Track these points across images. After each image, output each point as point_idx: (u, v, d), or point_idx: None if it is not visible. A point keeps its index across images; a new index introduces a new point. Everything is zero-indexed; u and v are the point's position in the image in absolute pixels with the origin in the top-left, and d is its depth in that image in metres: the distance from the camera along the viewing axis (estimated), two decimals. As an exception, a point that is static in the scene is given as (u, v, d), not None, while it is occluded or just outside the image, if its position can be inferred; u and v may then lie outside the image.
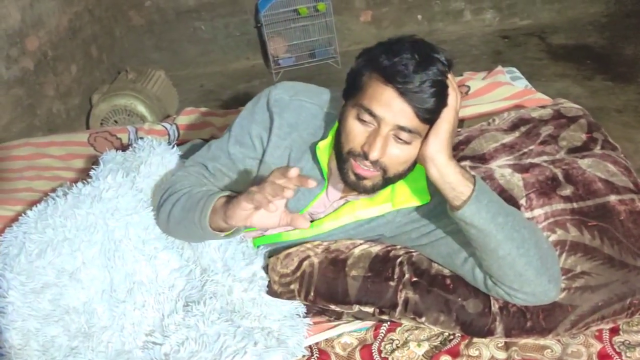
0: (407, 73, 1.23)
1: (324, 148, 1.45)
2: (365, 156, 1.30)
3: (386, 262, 1.51)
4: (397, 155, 1.31)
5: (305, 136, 1.51)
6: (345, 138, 1.34)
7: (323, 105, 1.53)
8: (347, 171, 1.36)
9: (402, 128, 1.27)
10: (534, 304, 1.39)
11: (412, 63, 1.24)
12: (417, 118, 1.26)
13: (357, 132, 1.32)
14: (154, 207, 1.57)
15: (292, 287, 1.51)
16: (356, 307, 1.49)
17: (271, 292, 1.52)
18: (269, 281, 1.53)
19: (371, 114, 1.28)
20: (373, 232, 1.57)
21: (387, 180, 1.37)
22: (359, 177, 1.35)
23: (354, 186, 1.38)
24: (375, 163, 1.31)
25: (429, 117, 1.27)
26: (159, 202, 1.54)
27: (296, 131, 1.51)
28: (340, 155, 1.37)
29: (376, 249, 1.55)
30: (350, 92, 1.36)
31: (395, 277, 1.48)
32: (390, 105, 1.26)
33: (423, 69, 1.24)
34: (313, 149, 1.48)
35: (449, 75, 1.30)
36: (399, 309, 1.46)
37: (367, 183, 1.36)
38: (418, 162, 1.36)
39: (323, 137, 1.48)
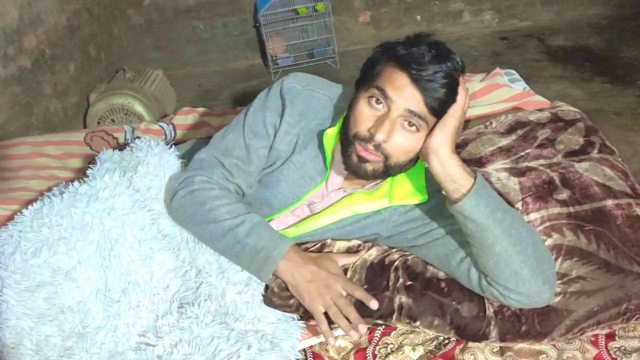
0: (422, 61, 1.29)
1: (331, 135, 1.48)
2: (371, 138, 1.33)
3: (382, 271, 1.51)
4: (401, 143, 1.34)
5: (312, 125, 1.54)
6: (354, 121, 1.38)
7: (333, 98, 1.57)
8: (350, 154, 1.38)
9: (412, 112, 1.31)
10: (527, 306, 1.38)
11: (429, 55, 1.30)
12: (426, 107, 1.31)
13: (366, 115, 1.36)
14: (168, 195, 1.59)
15: (291, 302, 1.49)
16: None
17: (268, 302, 1.51)
18: (267, 291, 1.52)
19: (384, 94, 1.32)
20: (369, 230, 1.57)
21: (388, 169, 1.39)
22: (362, 160, 1.37)
23: (355, 168, 1.40)
24: (378, 147, 1.34)
25: (438, 107, 1.31)
26: (175, 193, 1.55)
27: (305, 119, 1.54)
28: (346, 138, 1.40)
29: (372, 255, 1.54)
30: (364, 81, 1.41)
31: (390, 284, 1.48)
32: (402, 90, 1.31)
33: (438, 62, 1.30)
34: (320, 136, 1.50)
35: (461, 78, 1.35)
36: (394, 315, 1.45)
37: (369, 167, 1.38)
38: (420, 156, 1.38)
39: (331, 126, 1.50)
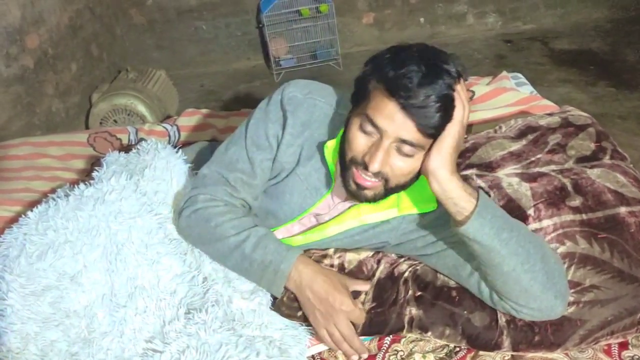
0: (410, 87, 1.21)
1: (332, 147, 1.44)
2: (365, 166, 1.30)
3: (392, 284, 1.50)
4: (399, 167, 1.31)
5: (316, 135, 1.51)
6: (348, 146, 1.34)
7: (335, 105, 1.53)
8: (348, 179, 1.36)
9: (404, 141, 1.26)
10: (540, 319, 1.37)
11: (418, 76, 1.21)
12: (420, 133, 1.25)
13: (359, 141, 1.31)
14: (176, 211, 1.58)
15: (299, 314, 1.49)
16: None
17: (276, 309, 1.51)
18: (277, 300, 1.51)
19: (374, 125, 1.27)
20: (377, 239, 1.54)
21: (389, 191, 1.36)
22: (360, 187, 1.34)
23: (355, 195, 1.37)
24: (376, 174, 1.30)
25: (432, 132, 1.26)
26: (180, 212, 1.54)
27: (308, 130, 1.50)
28: (343, 162, 1.37)
29: (380, 269, 1.53)
30: (357, 98, 1.35)
31: (400, 297, 1.47)
32: (392, 119, 1.24)
33: (428, 83, 1.21)
34: (321, 148, 1.47)
35: (458, 87, 1.27)
36: (405, 328, 1.45)
37: (368, 193, 1.35)
38: (422, 173, 1.34)
39: (332, 137, 1.47)
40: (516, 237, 1.29)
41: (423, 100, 1.21)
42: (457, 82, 1.26)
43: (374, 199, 1.38)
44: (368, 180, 1.32)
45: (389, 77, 1.24)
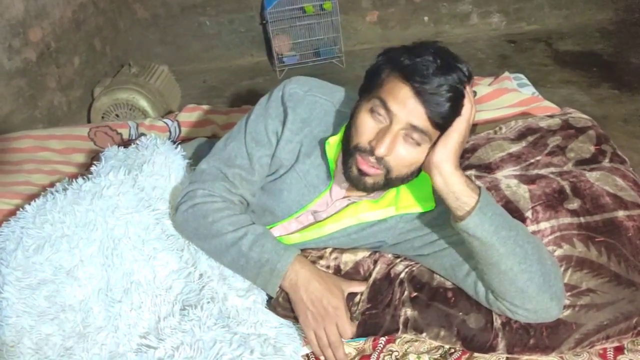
0: (426, 74, 1.24)
1: (334, 144, 1.45)
2: (371, 151, 1.30)
3: (388, 285, 1.49)
4: (403, 156, 1.31)
5: (316, 132, 1.50)
6: (355, 132, 1.34)
7: (336, 103, 1.53)
8: (350, 165, 1.36)
9: (414, 127, 1.27)
10: (536, 321, 1.36)
11: (433, 66, 1.25)
12: (429, 121, 1.27)
13: (367, 126, 1.32)
14: (173, 207, 1.57)
15: (294, 314, 1.48)
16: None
17: (272, 308, 1.50)
18: (272, 299, 1.50)
19: (386, 107, 1.29)
20: (375, 238, 1.54)
21: (389, 181, 1.36)
22: (362, 173, 1.34)
23: (355, 181, 1.37)
24: (380, 160, 1.31)
25: (441, 122, 1.27)
26: (177, 207, 1.53)
27: (308, 126, 1.50)
28: (347, 149, 1.37)
29: (376, 269, 1.53)
30: (367, 89, 1.37)
31: (395, 298, 1.46)
32: (405, 103, 1.26)
33: (443, 73, 1.25)
34: (322, 144, 1.47)
35: (468, 88, 1.29)
36: (400, 329, 1.44)
37: (369, 180, 1.36)
38: (423, 169, 1.35)
39: (334, 134, 1.47)
40: (515, 236, 1.29)
41: (436, 88, 1.24)
42: (467, 82, 1.30)
43: (373, 188, 1.38)
44: (371, 167, 1.33)
45: (405, 65, 1.28)
